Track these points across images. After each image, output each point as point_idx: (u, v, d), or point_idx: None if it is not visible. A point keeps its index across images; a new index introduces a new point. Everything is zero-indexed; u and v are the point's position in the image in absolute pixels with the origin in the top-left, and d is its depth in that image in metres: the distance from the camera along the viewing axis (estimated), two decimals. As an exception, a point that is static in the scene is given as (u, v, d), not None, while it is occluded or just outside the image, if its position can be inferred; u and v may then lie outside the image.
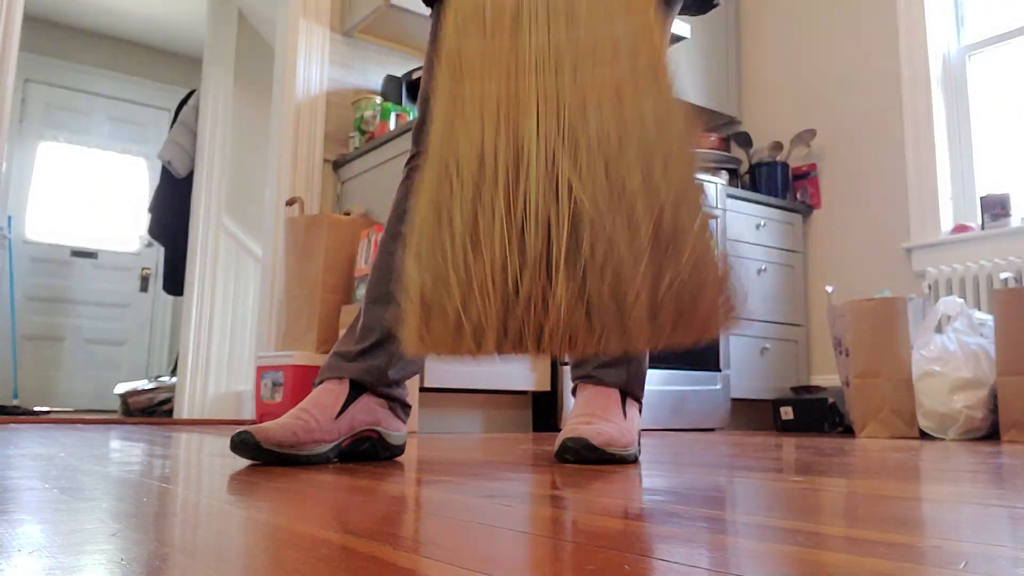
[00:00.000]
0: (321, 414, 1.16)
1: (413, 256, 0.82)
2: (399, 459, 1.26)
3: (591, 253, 0.77)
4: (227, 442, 1.68)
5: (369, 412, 1.23)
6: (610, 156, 0.78)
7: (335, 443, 1.17)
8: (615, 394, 1.32)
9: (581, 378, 1.36)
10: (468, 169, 0.80)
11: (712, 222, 3.23)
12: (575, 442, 1.19)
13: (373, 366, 1.22)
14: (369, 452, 1.24)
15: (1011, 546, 0.50)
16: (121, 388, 4.26)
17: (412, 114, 3.10)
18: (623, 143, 0.79)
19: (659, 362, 2.95)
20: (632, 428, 1.29)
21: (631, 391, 1.34)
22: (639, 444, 1.29)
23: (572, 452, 1.19)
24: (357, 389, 1.22)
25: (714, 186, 3.28)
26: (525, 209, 0.79)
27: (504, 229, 0.79)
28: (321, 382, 1.23)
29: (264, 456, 1.08)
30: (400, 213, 1.30)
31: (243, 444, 1.07)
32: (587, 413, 1.28)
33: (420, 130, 1.31)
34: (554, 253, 0.78)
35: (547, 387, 2.75)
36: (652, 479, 0.95)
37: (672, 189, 0.78)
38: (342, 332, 2.55)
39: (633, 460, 1.24)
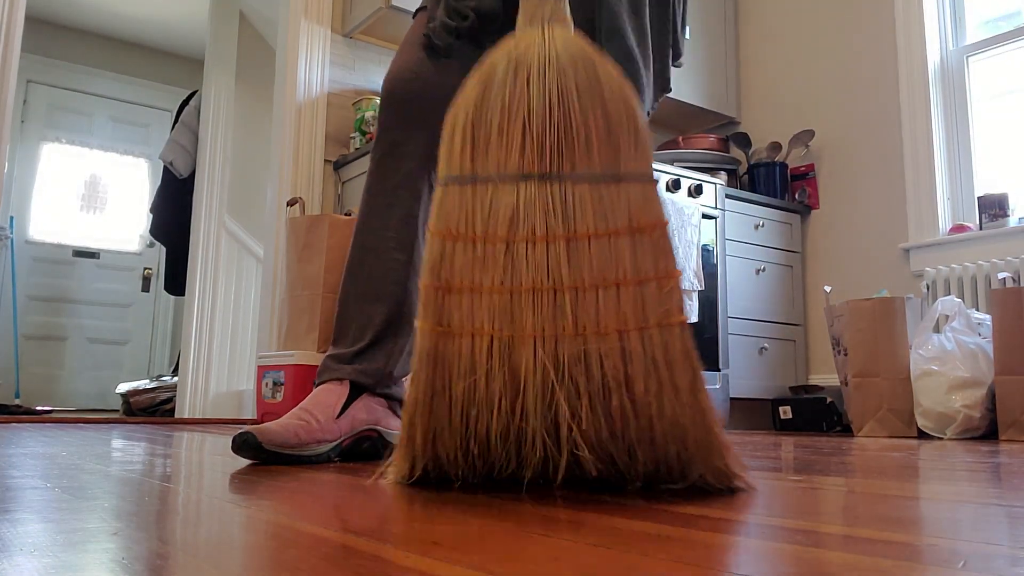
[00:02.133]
0: (322, 414, 1.16)
1: (414, 416, 0.80)
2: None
3: (583, 411, 0.76)
4: (228, 441, 1.69)
5: (369, 412, 1.23)
6: (609, 389, 0.76)
7: (336, 443, 1.17)
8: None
9: None
10: (460, 390, 0.78)
11: (712, 222, 3.24)
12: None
13: (371, 367, 1.22)
14: (369, 451, 1.24)
15: (1009, 545, 0.50)
16: (123, 388, 4.26)
17: (412, 114, 3.10)
18: (626, 373, 0.76)
19: (659, 362, 2.95)
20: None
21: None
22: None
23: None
24: (357, 389, 1.22)
25: (713, 186, 3.28)
26: (521, 445, 0.78)
27: (499, 446, 0.79)
28: (320, 384, 1.23)
29: (266, 456, 1.08)
30: (372, 208, 1.25)
31: (245, 445, 1.07)
32: None
33: (383, 129, 1.26)
34: (557, 407, 0.76)
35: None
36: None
37: (656, 349, 0.76)
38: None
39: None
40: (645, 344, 0.76)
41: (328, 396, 1.19)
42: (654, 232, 0.78)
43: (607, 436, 0.76)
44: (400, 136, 1.24)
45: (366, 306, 1.24)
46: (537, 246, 0.78)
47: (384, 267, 1.24)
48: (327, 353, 1.26)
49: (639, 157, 0.81)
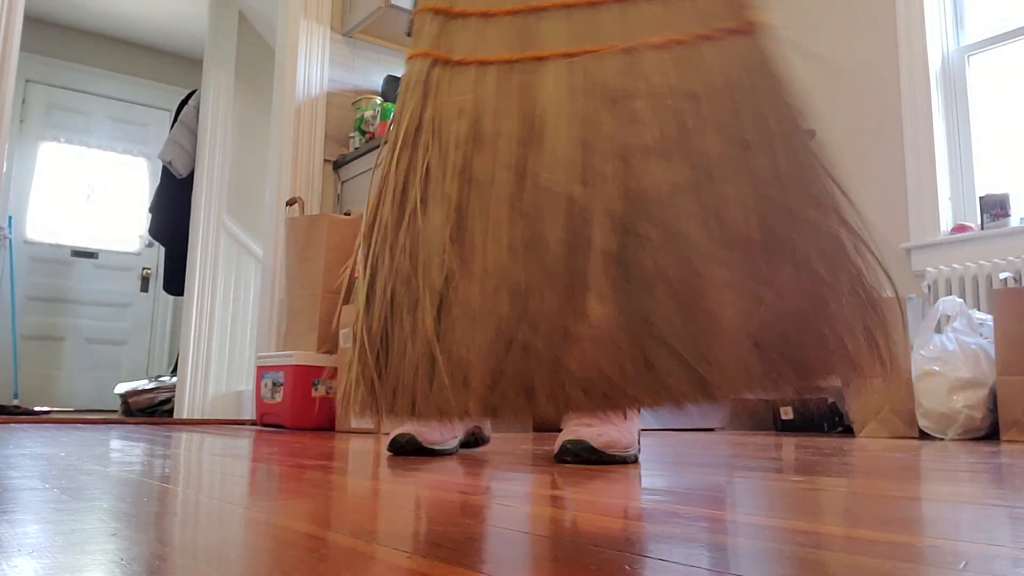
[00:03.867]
0: None
1: (365, 266, 0.53)
2: (399, 459, 1.27)
3: (653, 265, 0.47)
4: (226, 442, 1.69)
5: None
6: (681, 114, 0.50)
7: (459, 439, 1.45)
8: (615, 395, 1.32)
9: None
10: (453, 132, 0.53)
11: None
12: (575, 444, 1.19)
13: None
14: (472, 444, 1.55)
15: (1011, 546, 0.50)
16: (121, 388, 4.26)
17: (412, 114, 3.10)
18: (699, 98, 0.52)
19: (659, 362, 2.95)
20: (632, 429, 1.29)
21: (631, 391, 1.34)
22: (639, 444, 1.29)
23: (572, 454, 1.19)
24: None
25: (714, 186, 3.27)
26: (543, 193, 0.50)
27: (509, 223, 0.50)
28: None
29: (424, 454, 1.34)
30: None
31: (408, 445, 1.33)
32: (587, 414, 1.28)
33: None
34: (591, 265, 0.48)
35: (547, 387, 2.75)
36: (652, 479, 0.95)
37: (778, 160, 0.51)
38: (343, 332, 2.55)
39: (633, 461, 1.24)
40: (719, 55, 0.54)
41: None
42: None
43: (670, 188, 0.48)
44: None
45: None
46: None
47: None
48: None
49: None
